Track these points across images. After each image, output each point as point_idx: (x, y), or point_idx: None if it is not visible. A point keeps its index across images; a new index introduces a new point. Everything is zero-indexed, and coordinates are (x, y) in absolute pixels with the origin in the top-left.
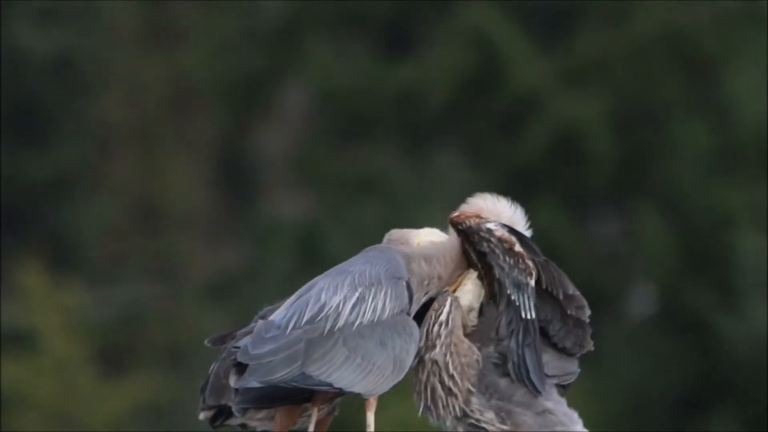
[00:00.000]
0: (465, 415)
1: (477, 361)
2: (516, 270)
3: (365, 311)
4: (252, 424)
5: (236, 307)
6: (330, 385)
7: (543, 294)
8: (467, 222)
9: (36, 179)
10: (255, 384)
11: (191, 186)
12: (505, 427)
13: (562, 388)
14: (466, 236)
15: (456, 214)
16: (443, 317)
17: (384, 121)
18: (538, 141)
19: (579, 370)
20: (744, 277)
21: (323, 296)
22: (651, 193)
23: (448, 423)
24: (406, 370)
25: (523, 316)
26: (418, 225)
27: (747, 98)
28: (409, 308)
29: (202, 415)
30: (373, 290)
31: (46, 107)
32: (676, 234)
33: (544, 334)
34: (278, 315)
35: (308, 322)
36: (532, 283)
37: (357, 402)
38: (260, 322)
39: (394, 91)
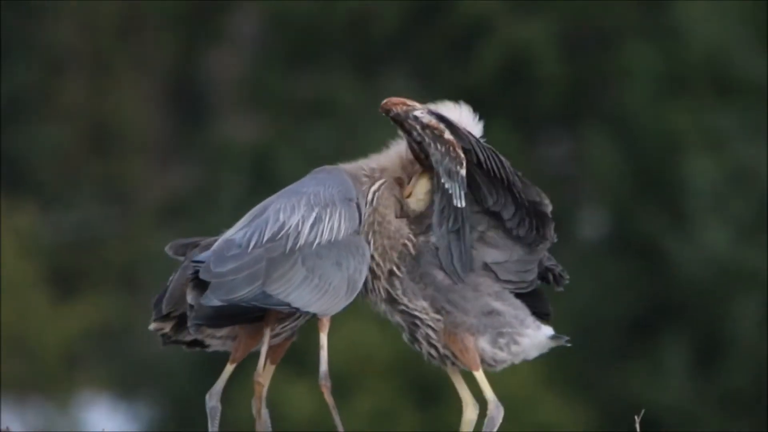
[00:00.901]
0: (393, 299)
1: (405, 245)
2: (447, 158)
3: (323, 231)
4: (212, 342)
5: (188, 229)
6: (288, 304)
7: (493, 179)
8: (394, 109)
9: None
10: (216, 302)
11: (143, 109)
12: (438, 317)
13: (529, 284)
14: (399, 124)
15: (384, 101)
16: (369, 196)
17: (335, 44)
18: (488, 64)
19: (550, 259)
20: (693, 200)
21: (281, 216)
22: (601, 116)
23: (382, 308)
24: (358, 290)
25: (455, 203)
26: (368, 147)
27: (697, 22)
28: (359, 228)
29: (152, 326)
30: (328, 210)
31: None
32: (625, 157)
33: (499, 219)
34: (237, 234)
35: (269, 240)
36: (463, 172)
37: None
38: (220, 239)
39: (344, 15)
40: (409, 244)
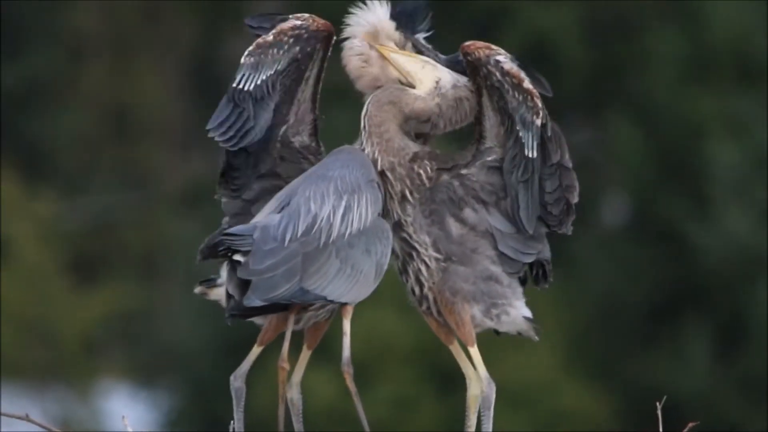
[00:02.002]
0: (399, 224)
1: (418, 173)
2: (524, 107)
3: (353, 220)
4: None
5: (208, 216)
6: (324, 297)
7: (550, 145)
8: (476, 53)
9: (8, 89)
10: (258, 303)
11: (164, 95)
12: (436, 256)
13: (522, 266)
14: (475, 69)
15: (468, 43)
16: (366, 107)
17: None
18: (510, 50)
19: (548, 253)
20: (716, 185)
21: (312, 206)
22: (624, 102)
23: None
24: (383, 274)
25: (526, 153)
26: None
27: (720, 7)
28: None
29: (197, 289)
30: (356, 197)
31: (18, 17)
32: (649, 142)
33: (542, 191)
34: (269, 223)
35: (304, 234)
36: (538, 122)
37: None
38: (256, 230)
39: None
40: (423, 174)
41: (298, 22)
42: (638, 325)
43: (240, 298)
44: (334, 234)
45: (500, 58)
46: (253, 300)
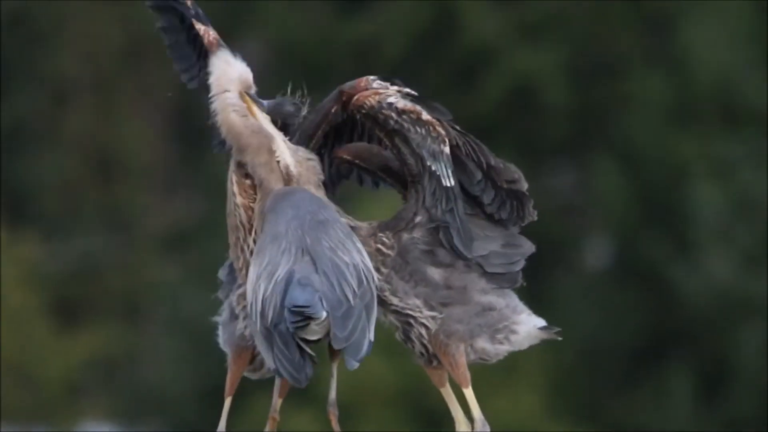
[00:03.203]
0: (382, 301)
1: (379, 249)
2: (429, 139)
3: (369, 260)
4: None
5: (191, 259)
6: (371, 340)
7: (469, 161)
8: (367, 102)
9: None
10: (356, 364)
11: (146, 138)
12: (432, 314)
13: (517, 277)
14: (373, 120)
15: (354, 99)
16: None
17: (340, 73)
18: (494, 93)
19: (532, 247)
20: (699, 228)
21: (344, 257)
22: (607, 145)
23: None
24: None
25: (444, 184)
26: None
27: (703, 50)
28: None
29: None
30: (354, 236)
31: (2, 59)
32: (632, 186)
33: (479, 204)
34: (323, 286)
35: (358, 287)
36: (447, 150)
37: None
38: (316, 295)
39: (350, 44)
40: (383, 247)
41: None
42: (622, 368)
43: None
44: (375, 279)
45: (391, 99)
46: (353, 364)
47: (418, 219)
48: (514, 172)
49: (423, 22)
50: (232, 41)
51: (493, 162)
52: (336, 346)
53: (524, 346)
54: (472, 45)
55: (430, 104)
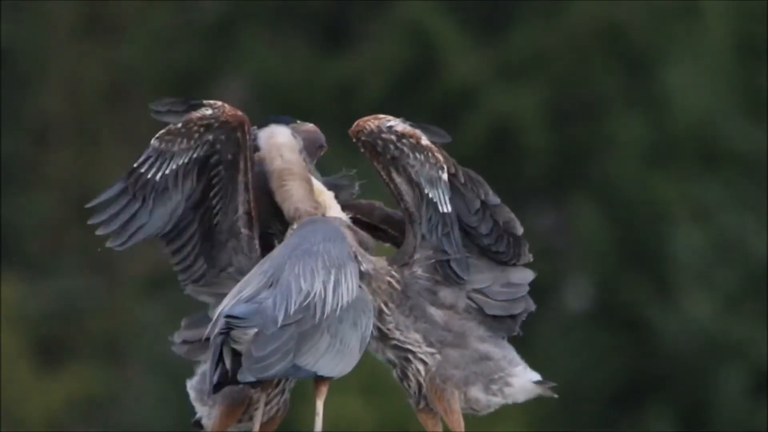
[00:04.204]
0: (384, 335)
1: (389, 283)
2: (427, 165)
3: (343, 294)
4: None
5: (173, 300)
6: (315, 373)
7: (467, 191)
8: (367, 126)
9: None
10: (251, 378)
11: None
12: (431, 351)
13: (515, 324)
14: (372, 147)
15: (354, 126)
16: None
17: (321, 114)
18: (473, 134)
19: (532, 277)
20: (679, 270)
21: (302, 284)
22: (587, 187)
23: (373, 346)
24: (365, 347)
25: (441, 210)
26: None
27: (683, 92)
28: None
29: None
30: (343, 271)
31: None
32: (611, 228)
33: (477, 237)
34: (266, 306)
35: (297, 312)
36: (445, 176)
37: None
38: (258, 314)
39: (330, 84)
40: (393, 281)
41: (209, 112)
42: (602, 410)
43: (232, 369)
44: (328, 310)
45: (391, 123)
46: (247, 377)
47: (417, 255)
48: (509, 212)
49: (403, 63)
50: (213, 81)
51: (490, 197)
52: (245, 364)
53: (519, 399)
54: (452, 86)
55: (429, 128)
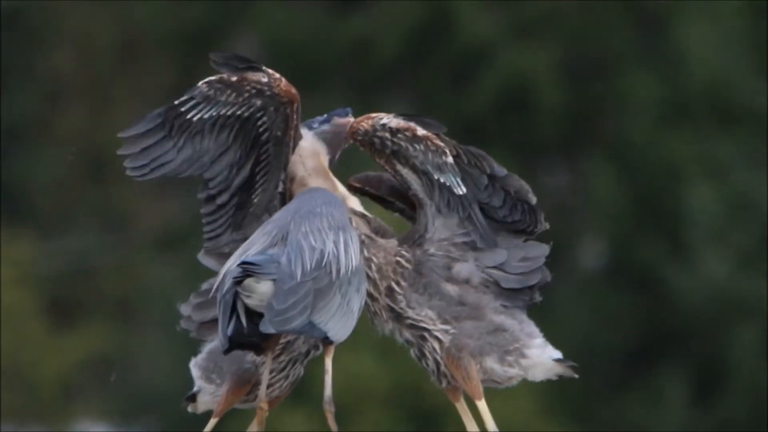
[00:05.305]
0: (398, 315)
1: (398, 262)
2: (430, 154)
3: (352, 257)
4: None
5: (186, 259)
6: (325, 333)
7: (472, 169)
8: (361, 127)
9: None
10: (272, 331)
11: None
12: (448, 328)
13: (533, 293)
14: (371, 146)
15: (349, 129)
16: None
17: (334, 72)
18: (487, 92)
19: (548, 251)
20: (694, 229)
21: (313, 241)
22: (601, 145)
23: (389, 327)
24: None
25: (457, 192)
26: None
27: (697, 49)
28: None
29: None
30: (348, 234)
31: None
32: (626, 186)
33: (492, 211)
34: (282, 261)
35: (314, 269)
36: (450, 160)
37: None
38: (273, 264)
39: (344, 43)
40: (402, 260)
41: (265, 79)
42: (616, 370)
43: (247, 326)
44: (342, 270)
45: (384, 120)
46: (269, 328)
47: (428, 234)
48: (521, 181)
49: (417, 22)
50: (225, 39)
51: (496, 169)
52: (267, 316)
53: (538, 377)
54: (465, 44)
55: (422, 119)
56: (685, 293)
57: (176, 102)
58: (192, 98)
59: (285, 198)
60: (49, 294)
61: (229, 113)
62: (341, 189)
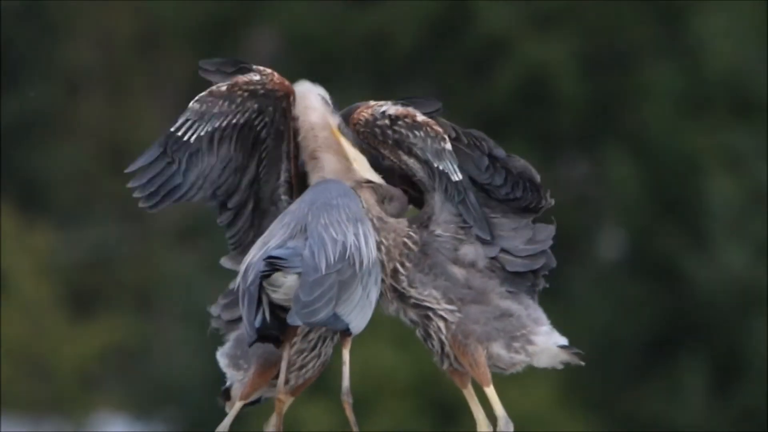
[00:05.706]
0: (401, 295)
1: (405, 243)
2: (429, 140)
3: (372, 249)
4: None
5: (204, 249)
6: (347, 325)
7: (473, 150)
8: (362, 117)
9: (5, 122)
10: (299, 322)
11: (159, 128)
12: (453, 308)
13: (536, 279)
14: (373, 137)
15: (351, 117)
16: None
17: (353, 64)
18: (507, 83)
19: (554, 231)
20: (713, 219)
21: (334, 233)
22: (621, 136)
23: (394, 307)
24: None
25: (453, 179)
26: None
27: (717, 40)
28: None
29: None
30: (366, 226)
31: (15, 50)
32: (645, 177)
33: (494, 191)
34: (305, 252)
35: (338, 261)
36: (448, 146)
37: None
38: (296, 257)
39: (363, 34)
40: (409, 241)
41: (257, 77)
42: (635, 359)
43: (271, 319)
44: (365, 261)
45: (383, 108)
46: (296, 320)
47: (434, 216)
48: (521, 160)
49: (435, 13)
50: (244, 32)
51: (495, 150)
52: (294, 309)
53: (543, 363)
54: (484, 36)
55: (418, 101)
56: (703, 283)
57: (172, 129)
58: (186, 120)
59: (292, 188)
60: (69, 284)
61: (224, 124)
62: (352, 153)
